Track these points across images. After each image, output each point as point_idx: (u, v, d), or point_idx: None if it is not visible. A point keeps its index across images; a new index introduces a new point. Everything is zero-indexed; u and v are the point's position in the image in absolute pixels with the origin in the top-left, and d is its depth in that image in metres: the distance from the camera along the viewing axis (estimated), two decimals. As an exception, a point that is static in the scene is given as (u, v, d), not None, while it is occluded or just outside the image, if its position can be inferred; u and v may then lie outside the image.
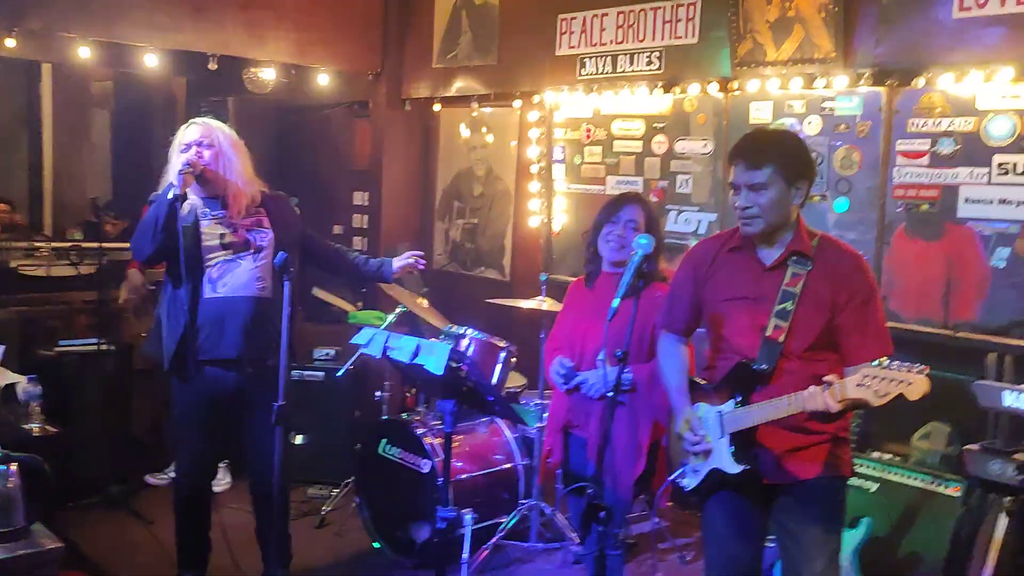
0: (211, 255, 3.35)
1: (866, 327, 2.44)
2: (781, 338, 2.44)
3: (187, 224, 3.30)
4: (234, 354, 3.35)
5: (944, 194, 3.77)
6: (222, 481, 4.74)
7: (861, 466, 3.73)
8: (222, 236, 3.37)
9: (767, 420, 2.39)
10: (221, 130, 3.43)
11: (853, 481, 3.67)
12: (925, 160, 3.82)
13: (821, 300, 2.45)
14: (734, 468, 2.44)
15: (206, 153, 3.34)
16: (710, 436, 2.50)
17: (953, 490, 3.52)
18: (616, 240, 3.13)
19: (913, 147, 3.85)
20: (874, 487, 3.69)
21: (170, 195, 3.20)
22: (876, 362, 2.16)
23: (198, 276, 3.31)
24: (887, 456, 3.83)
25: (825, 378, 2.27)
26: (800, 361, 2.46)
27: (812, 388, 2.28)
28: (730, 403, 2.49)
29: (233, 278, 3.35)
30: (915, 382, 2.09)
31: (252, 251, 3.40)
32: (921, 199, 3.84)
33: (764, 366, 2.45)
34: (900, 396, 2.11)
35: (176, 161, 3.30)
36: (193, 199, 3.38)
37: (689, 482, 2.60)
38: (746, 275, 2.55)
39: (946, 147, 3.75)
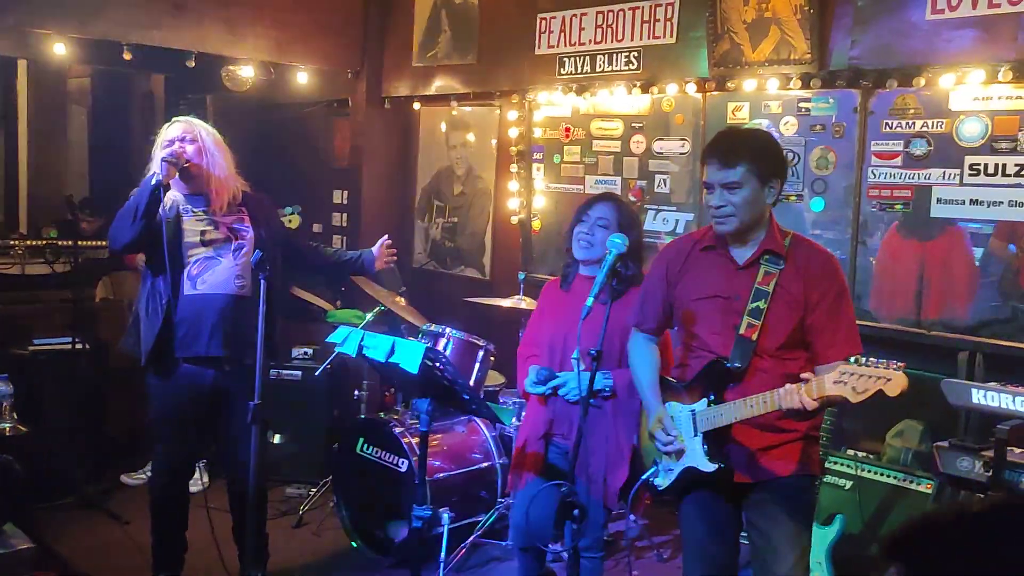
0: (191, 251, 3.35)
1: (837, 327, 2.47)
2: (754, 336, 2.46)
3: (169, 218, 3.30)
4: (212, 352, 3.34)
5: (917, 194, 3.81)
6: (199, 481, 4.70)
7: (835, 464, 3.77)
8: (203, 233, 3.37)
9: (741, 419, 2.41)
10: (204, 128, 3.44)
11: (827, 478, 3.73)
12: (899, 161, 3.86)
13: (793, 299, 2.47)
14: (708, 467, 2.46)
15: (189, 148, 3.34)
16: (683, 435, 2.51)
17: (926, 487, 3.56)
18: (584, 239, 3.09)
19: (887, 148, 3.89)
20: (848, 484, 3.73)
21: (153, 181, 3.20)
22: (852, 359, 2.18)
23: (177, 272, 3.31)
24: (861, 454, 3.87)
25: (802, 375, 2.29)
26: (772, 360, 2.47)
27: (788, 386, 2.30)
28: (703, 402, 2.50)
29: (213, 275, 3.35)
30: (893, 378, 2.11)
31: (233, 248, 3.39)
32: (895, 199, 3.88)
33: (737, 364, 2.46)
34: (879, 393, 2.13)
35: (159, 154, 3.29)
36: (175, 195, 3.38)
37: (662, 481, 2.61)
38: (719, 274, 2.56)
39: (919, 148, 3.79)
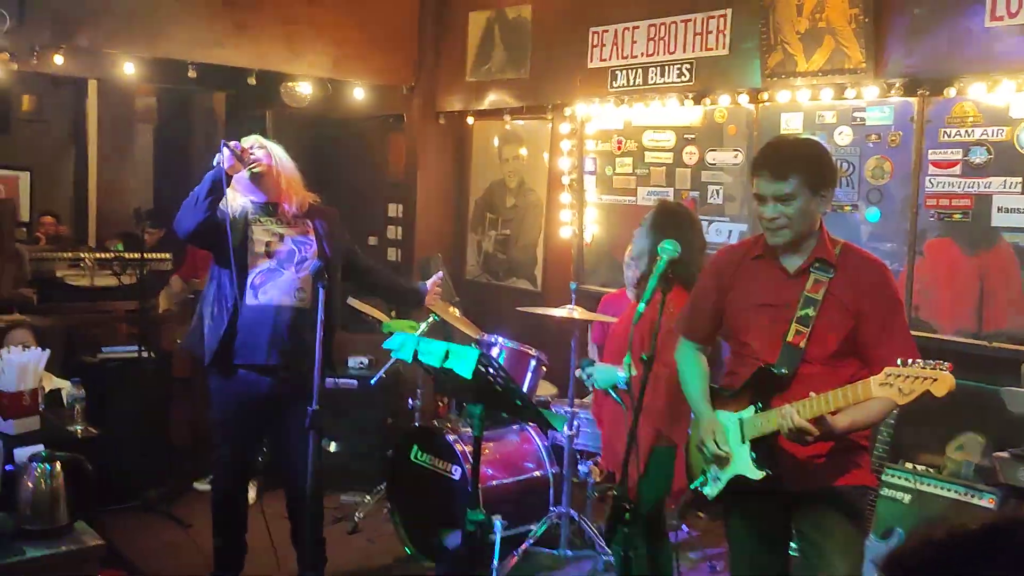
0: (256, 261, 3.43)
1: (892, 337, 2.44)
2: (802, 343, 2.45)
3: (237, 221, 3.39)
4: (269, 361, 3.41)
5: (977, 203, 3.75)
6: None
7: (893, 477, 3.71)
8: (268, 244, 3.45)
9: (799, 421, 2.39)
10: (273, 144, 3.55)
11: (886, 492, 3.67)
12: (957, 169, 3.80)
13: (845, 307, 2.46)
14: (756, 474, 2.45)
15: (259, 151, 3.44)
16: (730, 443, 2.51)
17: (988, 501, 3.48)
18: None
19: (945, 156, 3.84)
20: (907, 498, 3.66)
21: (215, 162, 3.29)
22: (899, 361, 2.17)
23: (242, 279, 3.40)
24: (920, 467, 3.80)
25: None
26: (822, 367, 2.46)
27: (833, 391, 2.29)
28: (750, 409, 2.49)
29: (274, 287, 3.42)
30: (940, 378, 2.09)
31: (296, 260, 3.46)
32: (954, 208, 3.83)
33: (784, 370, 2.45)
34: (927, 393, 2.11)
35: (221, 154, 3.36)
36: (245, 202, 3.47)
37: (711, 490, 2.60)
38: (769, 282, 2.56)
39: (979, 156, 3.74)
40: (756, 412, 2.47)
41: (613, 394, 3.21)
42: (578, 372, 3.47)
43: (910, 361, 2.16)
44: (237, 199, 3.46)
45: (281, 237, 3.47)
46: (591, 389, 3.54)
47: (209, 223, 3.33)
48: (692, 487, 2.67)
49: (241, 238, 3.41)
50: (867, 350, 2.46)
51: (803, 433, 2.33)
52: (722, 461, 2.52)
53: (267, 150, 3.49)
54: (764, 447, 2.45)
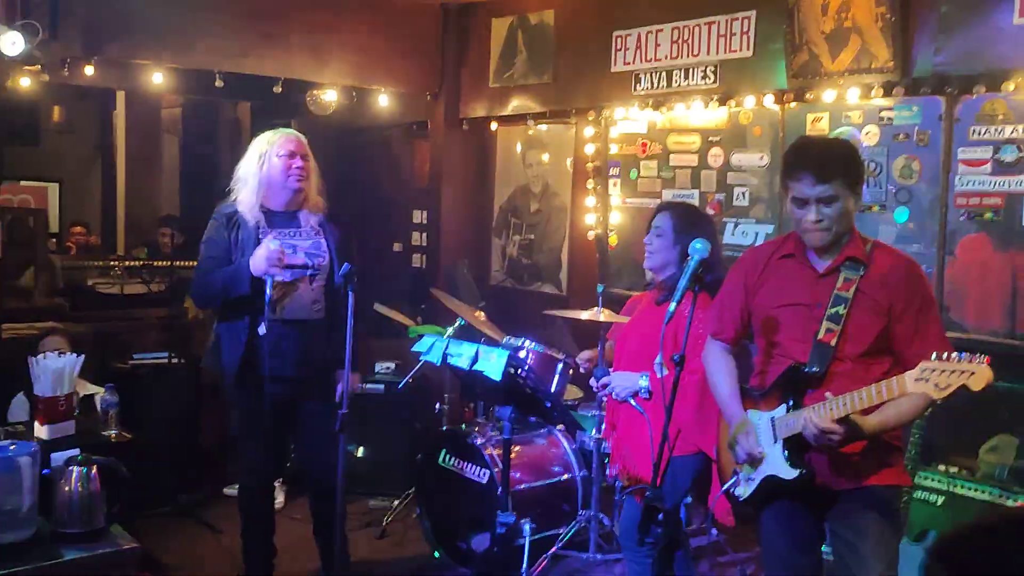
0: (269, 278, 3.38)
1: (926, 334, 2.42)
2: (833, 341, 2.44)
3: (248, 231, 3.39)
4: (292, 373, 3.43)
5: (1008, 202, 3.71)
6: (275, 500, 4.81)
7: (926, 479, 3.67)
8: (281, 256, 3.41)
9: (826, 421, 2.38)
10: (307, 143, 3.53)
11: (919, 494, 3.64)
12: (987, 168, 3.76)
13: (877, 305, 2.45)
14: (789, 473, 2.44)
15: (304, 165, 3.43)
16: (762, 443, 2.50)
17: (1022, 504, 3.44)
18: (647, 249, 3.20)
19: (975, 155, 3.80)
20: (940, 500, 3.62)
21: (263, 270, 3.25)
22: (934, 355, 2.15)
23: (257, 294, 3.33)
24: (954, 469, 3.75)
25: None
26: (854, 364, 2.45)
27: (866, 388, 2.28)
28: (782, 408, 2.48)
29: (292, 301, 3.41)
30: (978, 371, 2.07)
31: (309, 273, 3.43)
32: (984, 207, 3.79)
33: (815, 369, 2.44)
34: (963, 388, 2.09)
35: (257, 260, 3.29)
36: (258, 214, 3.44)
37: (743, 491, 2.59)
38: (799, 282, 2.55)
39: (1009, 154, 3.70)
40: (788, 411, 2.46)
41: (633, 403, 3.14)
42: (592, 382, 3.40)
43: (946, 355, 2.14)
44: (252, 207, 3.41)
45: (294, 248, 3.44)
46: (604, 399, 3.46)
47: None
48: (724, 489, 2.66)
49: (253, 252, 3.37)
50: (900, 347, 2.45)
51: (826, 435, 2.31)
52: (755, 461, 2.51)
53: (309, 159, 3.47)
54: (797, 446, 2.44)
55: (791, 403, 2.46)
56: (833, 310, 2.46)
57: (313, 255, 3.48)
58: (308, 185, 3.50)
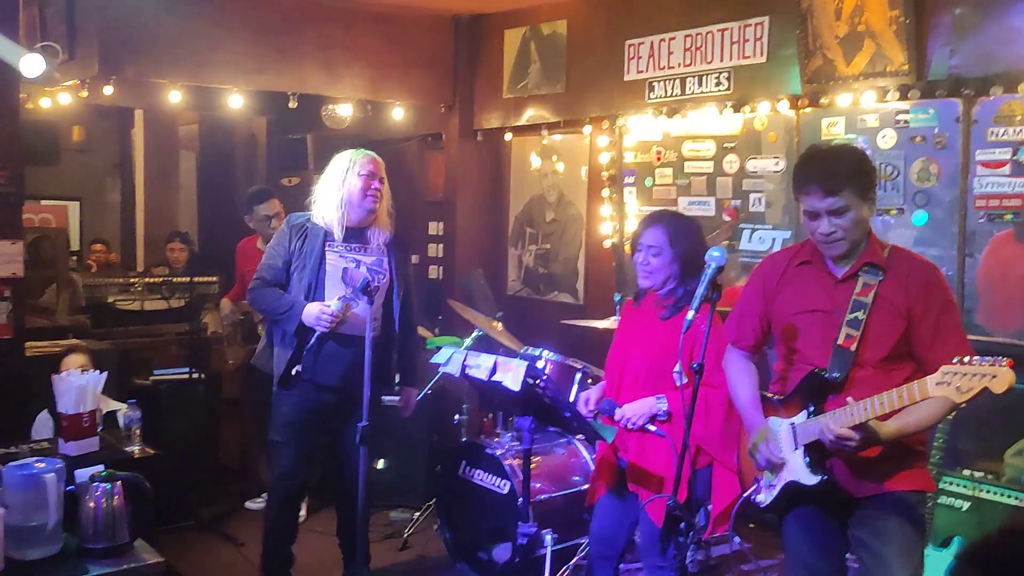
0: (330, 287, 3.47)
1: (947, 339, 2.40)
2: (853, 347, 2.43)
3: (314, 250, 3.48)
4: (340, 384, 3.51)
5: (1028, 203, 3.68)
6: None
7: (951, 484, 3.63)
8: (345, 271, 3.48)
9: (844, 427, 2.37)
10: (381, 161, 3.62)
11: (944, 499, 3.60)
12: (1007, 169, 3.74)
13: (896, 310, 2.43)
14: (811, 479, 2.42)
15: (381, 188, 3.52)
16: (783, 449, 2.49)
17: (1051, 508, 3.40)
18: (641, 268, 3.07)
19: (994, 156, 3.78)
20: (966, 506, 3.58)
21: (322, 324, 3.39)
22: (956, 359, 2.14)
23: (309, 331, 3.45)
24: (979, 474, 3.72)
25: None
26: (875, 370, 2.43)
27: (887, 393, 2.26)
28: (802, 414, 2.47)
29: (350, 316, 3.45)
30: (999, 374, 2.05)
31: (369, 292, 3.41)
32: (1005, 208, 3.76)
33: (836, 374, 2.43)
34: (985, 391, 2.07)
35: (320, 317, 3.41)
36: (328, 221, 3.51)
37: (764, 498, 2.58)
38: (817, 288, 2.54)
39: (1028, 155, 3.67)
40: (808, 417, 2.45)
41: (654, 429, 3.03)
42: (596, 421, 3.18)
43: (967, 358, 2.12)
44: (327, 215, 3.51)
45: (357, 264, 3.52)
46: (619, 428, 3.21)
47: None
48: (743, 496, 2.64)
49: (316, 264, 3.47)
50: (921, 351, 2.43)
51: (842, 441, 2.30)
52: (775, 467, 2.50)
53: (385, 182, 3.56)
54: (818, 452, 2.43)
55: (811, 409, 2.45)
56: (852, 315, 2.45)
57: (375, 272, 3.57)
58: (381, 206, 3.59)
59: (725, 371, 2.77)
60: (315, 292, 3.49)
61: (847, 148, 2.62)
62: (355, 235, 3.57)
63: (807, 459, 2.44)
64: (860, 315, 2.44)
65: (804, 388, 2.50)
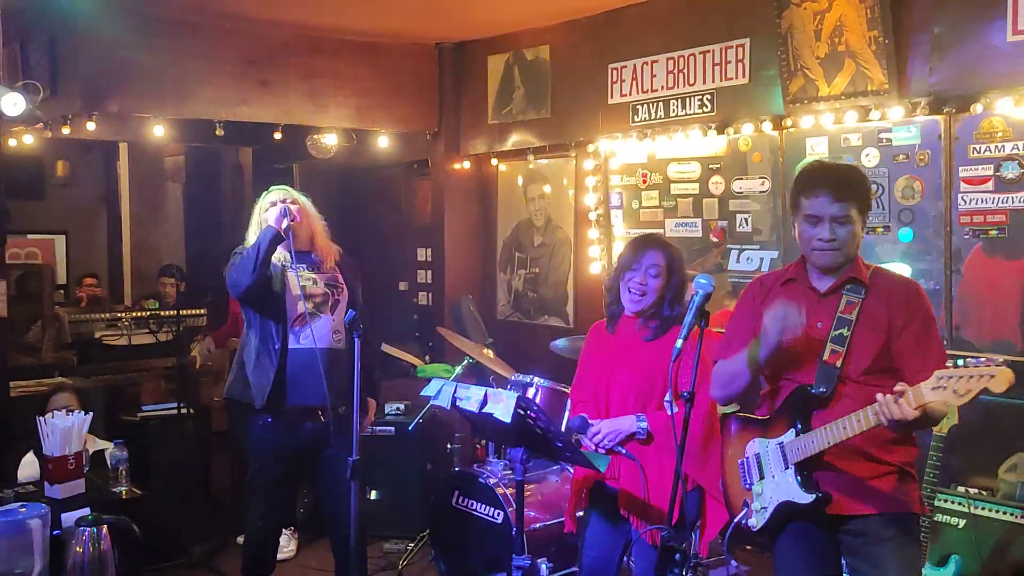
0: (294, 306, 3.54)
1: (928, 351, 2.43)
2: (838, 363, 2.45)
3: (276, 273, 3.52)
4: (312, 402, 3.51)
5: (1012, 218, 3.70)
6: (286, 548, 4.79)
7: (946, 502, 3.62)
8: (304, 288, 3.57)
9: (834, 443, 2.36)
10: (300, 194, 3.71)
11: (939, 517, 3.59)
12: (990, 185, 3.76)
13: (877, 323, 2.46)
14: (805, 498, 2.41)
15: (292, 207, 3.56)
16: (773, 469, 2.48)
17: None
18: (637, 288, 3.04)
19: (976, 173, 3.80)
20: (961, 523, 3.57)
21: (271, 235, 3.42)
22: (949, 363, 2.14)
23: (286, 324, 3.53)
24: (973, 491, 3.71)
25: (896, 387, 2.22)
26: (856, 385, 2.45)
27: (881, 397, 2.24)
28: (790, 432, 2.48)
29: (314, 331, 3.53)
30: (998, 373, 2.04)
31: (330, 304, 3.61)
32: (989, 224, 3.77)
33: (823, 389, 2.45)
34: (985, 391, 2.06)
35: (272, 212, 3.51)
36: (281, 252, 3.58)
37: (756, 521, 2.56)
38: (801, 304, 2.55)
39: (1011, 171, 3.69)
40: (797, 435, 2.44)
41: (623, 451, 3.00)
42: (584, 440, 3.13)
43: (960, 362, 2.12)
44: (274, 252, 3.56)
45: (315, 281, 3.62)
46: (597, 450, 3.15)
47: (264, 279, 3.46)
48: (735, 521, 2.62)
49: (280, 285, 3.54)
50: (900, 364, 2.45)
51: (908, 424, 2.23)
52: (796, 324, 2.45)
53: (298, 203, 3.63)
54: (810, 470, 2.42)
55: (799, 427, 2.46)
56: (837, 332, 2.48)
57: (332, 286, 3.67)
58: (310, 225, 3.66)
59: (713, 376, 2.75)
60: (282, 314, 3.53)
61: (854, 167, 2.74)
62: (304, 258, 3.64)
63: (799, 479, 2.44)
64: (845, 332, 2.48)
65: (791, 405, 2.51)
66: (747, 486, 2.61)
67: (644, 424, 3.00)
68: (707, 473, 2.94)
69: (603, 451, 3.04)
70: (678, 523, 2.88)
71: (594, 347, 3.27)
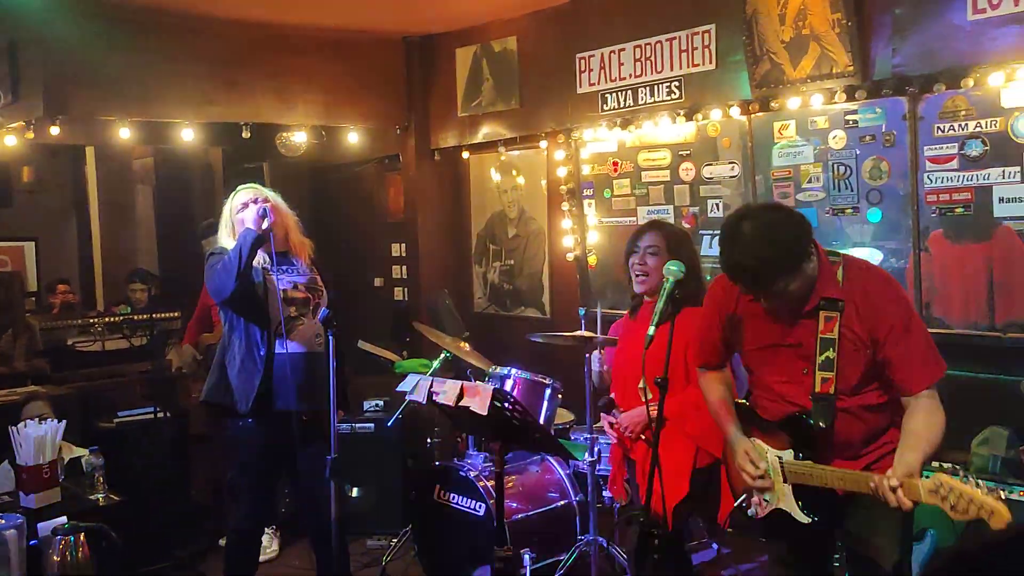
0: (276, 310, 3.50)
1: (912, 357, 2.40)
2: (831, 390, 2.41)
3: (259, 281, 3.49)
4: (296, 406, 3.49)
5: (978, 195, 3.75)
6: (268, 549, 4.77)
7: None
8: (285, 292, 3.53)
9: (829, 487, 2.39)
10: (269, 191, 3.66)
11: (914, 493, 3.63)
12: (955, 164, 3.80)
13: (859, 339, 2.42)
14: (803, 519, 2.44)
15: (265, 205, 3.51)
16: (772, 475, 2.50)
17: (1019, 495, 3.44)
18: (639, 269, 3.16)
19: (941, 152, 3.84)
20: (936, 498, 3.61)
21: (254, 227, 3.38)
22: (952, 470, 2.16)
23: (269, 328, 3.49)
24: (947, 465, 3.76)
25: (891, 482, 2.22)
26: (850, 397, 2.46)
27: (879, 479, 2.25)
28: (789, 453, 2.48)
29: (297, 334, 3.51)
30: (996, 511, 2.06)
31: (312, 307, 3.58)
32: (955, 202, 3.82)
33: (822, 425, 2.42)
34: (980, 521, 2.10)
35: (247, 214, 3.47)
36: (261, 255, 3.53)
37: (756, 511, 2.58)
38: (777, 324, 2.51)
39: (974, 149, 3.74)
40: (796, 458, 2.46)
41: (643, 438, 3.14)
42: (609, 420, 3.30)
43: (960, 474, 2.14)
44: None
45: (295, 285, 3.59)
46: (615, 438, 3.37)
47: (248, 283, 3.42)
48: (737, 503, 2.62)
49: (263, 289, 3.50)
50: (891, 373, 2.43)
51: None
52: (764, 487, 2.50)
53: (270, 202, 3.58)
54: (809, 494, 2.44)
55: (801, 456, 2.46)
56: (823, 357, 2.42)
57: (312, 288, 3.64)
58: (285, 223, 3.62)
59: (702, 392, 2.77)
60: (265, 317, 3.50)
61: (765, 233, 2.36)
62: (282, 259, 3.61)
63: (800, 502, 2.45)
64: (831, 354, 2.42)
65: (790, 430, 2.49)
66: (748, 480, 2.59)
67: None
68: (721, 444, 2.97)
69: (632, 439, 3.15)
70: (686, 498, 2.95)
71: (621, 334, 3.43)
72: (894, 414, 2.50)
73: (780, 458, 2.49)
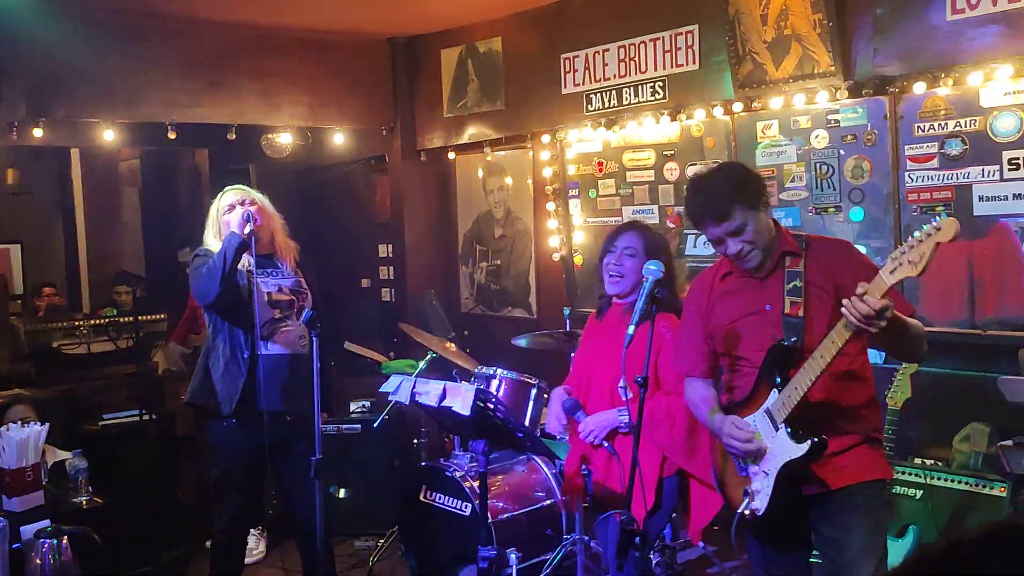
0: (262, 312, 3.51)
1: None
2: (800, 312, 2.46)
3: (243, 284, 3.49)
4: (280, 407, 3.49)
5: (958, 194, 3.77)
6: (255, 551, 4.77)
7: (903, 473, 3.70)
8: (270, 295, 3.55)
9: (817, 376, 2.35)
10: (256, 192, 3.66)
11: (897, 489, 3.66)
12: (935, 162, 3.83)
13: (823, 289, 2.49)
14: (800, 449, 2.37)
15: (252, 209, 3.50)
16: (764, 438, 2.46)
17: (999, 491, 3.47)
18: (614, 269, 3.11)
19: (922, 151, 3.87)
20: (918, 494, 3.64)
21: (236, 241, 3.36)
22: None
23: (253, 330, 3.49)
24: (929, 461, 3.79)
25: (857, 289, 2.22)
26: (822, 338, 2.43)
27: (846, 301, 2.22)
28: (772, 394, 2.46)
29: (281, 337, 3.53)
30: (943, 225, 2.07)
31: (296, 310, 3.59)
32: (935, 201, 3.85)
33: (794, 339, 2.44)
34: (938, 247, 2.09)
35: (232, 217, 3.46)
36: (246, 257, 3.52)
37: (760, 503, 2.51)
38: (746, 292, 2.58)
39: (954, 148, 3.77)
40: (779, 393, 2.44)
41: (607, 446, 3.04)
42: (555, 440, 3.20)
43: (907, 238, 2.17)
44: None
45: (280, 288, 3.60)
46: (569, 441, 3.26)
47: (232, 286, 3.41)
48: (739, 512, 2.56)
49: (247, 292, 3.50)
50: None
51: (881, 313, 2.20)
52: (758, 453, 2.48)
53: (257, 204, 3.57)
54: (797, 421, 2.41)
55: (779, 382, 2.44)
56: (790, 285, 2.49)
57: (296, 291, 3.64)
58: (272, 227, 3.61)
59: (688, 400, 2.76)
60: (250, 320, 3.49)
61: (724, 170, 2.63)
62: (268, 263, 3.62)
63: (788, 430, 2.41)
64: (797, 282, 2.49)
65: (767, 367, 2.48)
66: (742, 473, 2.57)
67: (626, 418, 3.02)
68: (696, 462, 2.94)
69: (593, 445, 3.07)
70: (653, 509, 2.92)
71: (585, 336, 3.35)
72: (866, 403, 2.52)
73: (766, 409, 2.47)
